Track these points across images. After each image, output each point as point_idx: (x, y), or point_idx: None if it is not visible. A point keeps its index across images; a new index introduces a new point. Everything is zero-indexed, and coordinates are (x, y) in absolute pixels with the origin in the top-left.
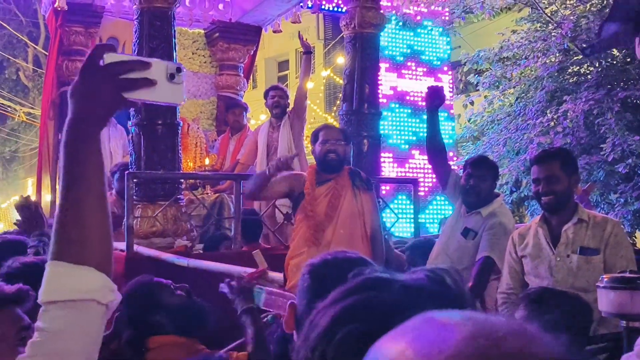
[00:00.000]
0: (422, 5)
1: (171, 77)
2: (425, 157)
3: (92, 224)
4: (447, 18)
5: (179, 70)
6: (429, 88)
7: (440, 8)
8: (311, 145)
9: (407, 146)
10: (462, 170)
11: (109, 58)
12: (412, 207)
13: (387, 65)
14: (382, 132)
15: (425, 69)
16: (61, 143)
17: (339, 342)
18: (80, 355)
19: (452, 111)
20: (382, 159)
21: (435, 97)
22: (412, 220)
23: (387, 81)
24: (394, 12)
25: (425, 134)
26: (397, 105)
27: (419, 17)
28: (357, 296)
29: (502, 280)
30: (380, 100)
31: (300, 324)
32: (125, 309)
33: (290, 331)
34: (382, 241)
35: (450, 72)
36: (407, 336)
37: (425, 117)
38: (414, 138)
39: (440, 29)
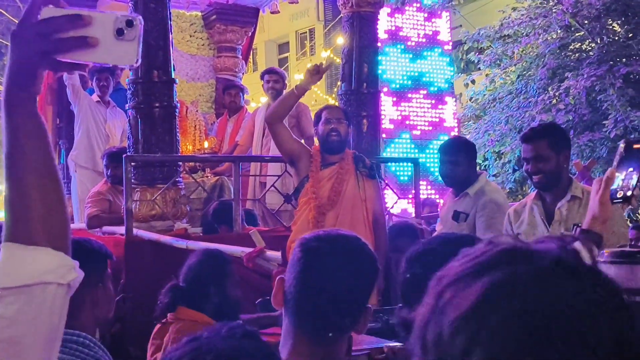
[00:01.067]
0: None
1: (119, 32)
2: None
3: (37, 198)
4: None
5: (129, 23)
6: None
7: None
8: (314, 126)
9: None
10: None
11: (46, 12)
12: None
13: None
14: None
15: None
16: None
17: (497, 323)
18: (39, 342)
19: (445, 124)
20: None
21: None
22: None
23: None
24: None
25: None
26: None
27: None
28: (501, 270)
29: None
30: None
31: (289, 299)
32: (192, 271)
33: (278, 306)
34: (385, 226)
35: (452, 96)
36: None
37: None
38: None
39: (446, 58)
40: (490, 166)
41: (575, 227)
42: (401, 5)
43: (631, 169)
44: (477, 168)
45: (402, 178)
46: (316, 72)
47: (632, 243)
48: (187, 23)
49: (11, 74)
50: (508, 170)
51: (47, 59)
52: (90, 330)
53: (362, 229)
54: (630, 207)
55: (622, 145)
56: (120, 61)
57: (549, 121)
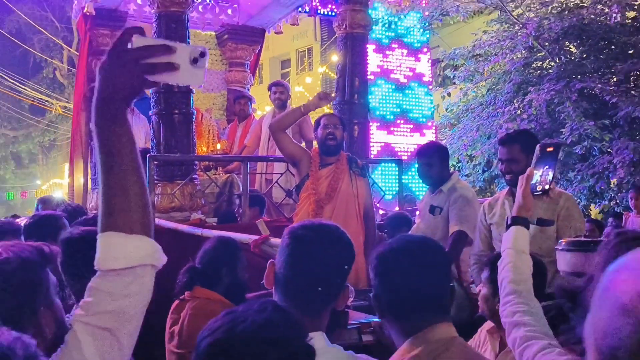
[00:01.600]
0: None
1: (194, 61)
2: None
3: (134, 194)
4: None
5: (202, 54)
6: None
7: (419, 14)
8: (314, 131)
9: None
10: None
11: (137, 42)
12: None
13: (378, 124)
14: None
15: (412, 126)
16: (92, 123)
17: None
18: (139, 312)
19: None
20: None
21: None
22: (397, 193)
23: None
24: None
25: None
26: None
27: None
28: None
29: (475, 244)
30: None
31: (279, 280)
32: (207, 255)
33: (270, 286)
34: (374, 219)
35: (433, 127)
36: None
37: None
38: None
39: (425, 89)
40: (463, 167)
41: (507, 218)
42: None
43: (547, 167)
44: (451, 169)
45: (387, 197)
46: (324, 98)
47: (587, 234)
48: (202, 41)
49: (114, 89)
50: (478, 171)
51: (141, 77)
52: None
53: (354, 221)
54: (549, 197)
55: (537, 148)
56: (191, 83)
57: (523, 128)
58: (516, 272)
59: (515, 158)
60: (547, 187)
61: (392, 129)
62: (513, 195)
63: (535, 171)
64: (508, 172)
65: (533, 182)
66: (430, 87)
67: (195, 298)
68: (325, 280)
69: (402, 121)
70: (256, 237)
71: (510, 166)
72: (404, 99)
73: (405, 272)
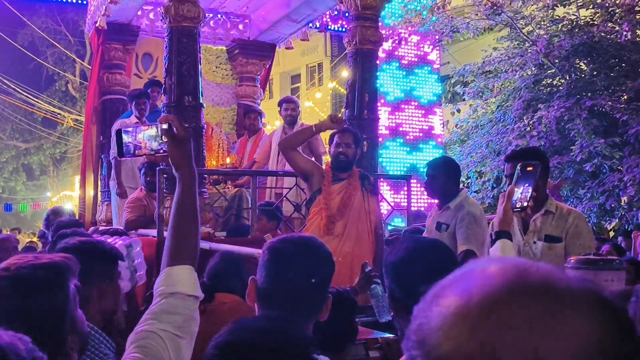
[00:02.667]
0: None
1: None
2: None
3: (194, 235)
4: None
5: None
6: None
7: (431, 28)
8: (328, 145)
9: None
10: None
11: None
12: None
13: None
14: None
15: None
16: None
17: None
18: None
19: (433, 131)
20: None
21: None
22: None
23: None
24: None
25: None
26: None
27: (413, 58)
28: None
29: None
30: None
31: (261, 295)
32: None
33: (252, 304)
34: (382, 236)
35: (441, 109)
36: (455, 288)
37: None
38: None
39: (429, 68)
40: (472, 184)
41: (491, 233)
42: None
43: (527, 184)
44: (461, 185)
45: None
46: (337, 122)
47: (595, 252)
48: (213, 56)
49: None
50: (488, 188)
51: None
52: (95, 320)
53: (366, 237)
54: (525, 214)
55: (518, 167)
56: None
57: (528, 146)
58: None
59: None
60: (525, 203)
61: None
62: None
63: (516, 189)
64: None
65: (514, 199)
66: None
67: (223, 303)
68: (307, 292)
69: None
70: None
71: None
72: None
73: (418, 269)
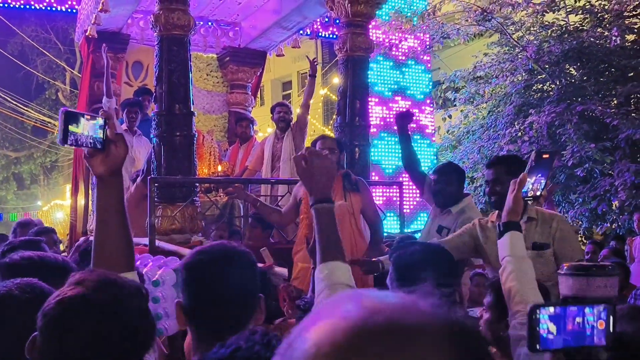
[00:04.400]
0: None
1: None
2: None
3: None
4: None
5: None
6: (396, 114)
7: (421, 34)
8: None
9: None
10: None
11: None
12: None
13: (377, 99)
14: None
15: (410, 102)
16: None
17: None
18: None
19: (427, 130)
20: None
21: (403, 118)
22: (398, 217)
23: (376, 113)
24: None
25: (401, 152)
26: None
27: (402, 57)
28: None
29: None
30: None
31: (190, 315)
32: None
33: (182, 327)
34: (379, 221)
35: (431, 104)
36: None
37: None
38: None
39: (423, 67)
40: (465, 189)
41: (498, 225)
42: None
43: (540, 175)
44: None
45: (387, 171)
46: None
47: (589, 257)
48: (204, 63)
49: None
50: (480, 194)
51: None
52: None
53: (348, 238)
54: (537, 203)
55: (533, 154)
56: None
57: (511, 152)
58: (523, 280)
59: (500, 179)
60: (538, 193)
61: (390, 105)
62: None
63: (528, 178)
64: (493, 194)
65: (525, 188)
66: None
67: None
68: (234, 297)
69: (399, 98)
70: (260, 264)
71: (495, 188)
72: (401, 76)
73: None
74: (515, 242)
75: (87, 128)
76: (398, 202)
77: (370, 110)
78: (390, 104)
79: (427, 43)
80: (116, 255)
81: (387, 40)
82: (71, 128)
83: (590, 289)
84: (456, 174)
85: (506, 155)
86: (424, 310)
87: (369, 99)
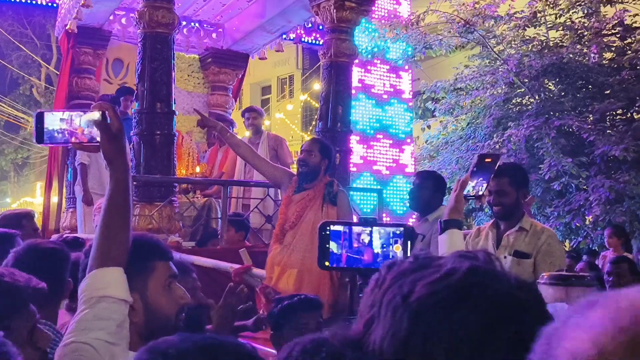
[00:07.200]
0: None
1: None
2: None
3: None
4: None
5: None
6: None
7: (405, 43)
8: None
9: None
10: None
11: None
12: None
13: (358, 138)
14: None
15: (391, 141)
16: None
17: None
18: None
19: (406, 169)
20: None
21: None
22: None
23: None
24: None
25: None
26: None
27: (385, 96)
28: None
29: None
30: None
31: None
32: None
33: None
34: None
35: (412, 143)
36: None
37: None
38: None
39: (405, 106)
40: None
41: (440, 222)
42: (370, 58)
43: (481, 178)
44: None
45: (365, 210)
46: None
47: (567, 269)
48: (185, 64)
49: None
50: None
51: None
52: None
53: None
54: (480, 204)
55: (476, 157)
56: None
57: (513, 162)
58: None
59: (505, 190)
60: (480, 193)
61: (371, 143)
62: (497, 227)
63: (470, 180)
64: (497, 205)
65: (466, 191)
66: (410, 104)
67: None
68: None
69: (382, 135)
70: (237, 265)
71: (499, 198)
72: (383, 114)
73: None
74: (454, 239)
75: (82, 123)
76: (377, 209)
77: (350, 147)
78: (372, 142)
79: (411, 57)
80: (120, 240)
81: (366, 80)
82: (54, 125)
83: (569, 298)
84: (433, 181)
85: (509, 166)
86: None
87: (350, 137)
